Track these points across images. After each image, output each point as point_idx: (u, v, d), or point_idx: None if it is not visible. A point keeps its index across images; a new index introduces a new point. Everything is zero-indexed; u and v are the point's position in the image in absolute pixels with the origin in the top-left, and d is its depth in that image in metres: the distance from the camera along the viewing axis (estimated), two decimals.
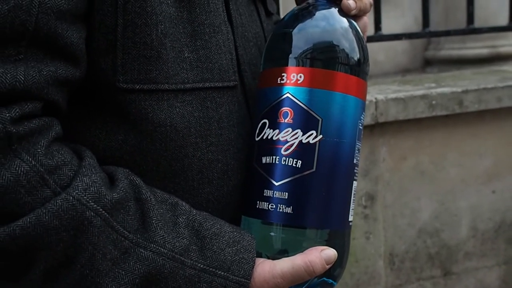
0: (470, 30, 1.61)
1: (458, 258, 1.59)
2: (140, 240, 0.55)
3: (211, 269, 0.57)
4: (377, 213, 1.49)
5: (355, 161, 0.64)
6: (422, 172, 1.51)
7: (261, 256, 0.62)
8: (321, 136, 0.61)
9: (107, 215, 0.53)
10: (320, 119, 0.61)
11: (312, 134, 0.61)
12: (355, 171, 0.65)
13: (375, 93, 1.44)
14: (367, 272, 1.51)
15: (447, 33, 1.68)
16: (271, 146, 0.62)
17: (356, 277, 1.49)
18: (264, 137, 0.63)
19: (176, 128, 0.61)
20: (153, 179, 0.62)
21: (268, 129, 0.63)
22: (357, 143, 0.65)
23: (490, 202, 1.59)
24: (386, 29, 1.62)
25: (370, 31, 1.60)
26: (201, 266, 0.57)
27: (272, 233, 0.62)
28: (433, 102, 1.42)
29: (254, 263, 0.59)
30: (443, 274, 1.59)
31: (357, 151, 0.65)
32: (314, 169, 0.61)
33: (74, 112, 0.62)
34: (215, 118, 0.64)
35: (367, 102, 1.35)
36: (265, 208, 0.62)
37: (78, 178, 0.53)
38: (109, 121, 0.61)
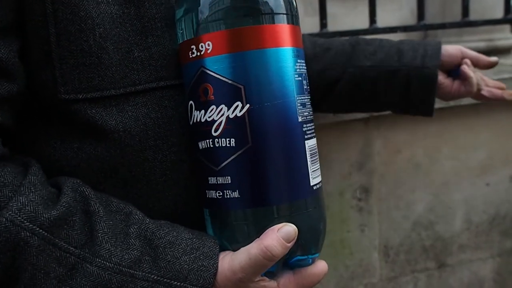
0: (465, 23, 1.61)
1: (452, 250, 1.60)
2: (87, 255, 0.53)
3: (165, 280, 0.54)
4: (372, 205, 1.49)
5: (300, 119, 0.57)
6: (416, 165, 1.52)
7: (227, 249, 0.58)
8: (248, 105, 0.54)
9: (45, 234, 0.51)
10: (242, 87, 0.54)
11: (237, 106, 0.54)
12: (305, 129, 0.58)
13: None
14: (361, 265, 1.51)
15: (442, 26, 1.68)
16: (202, 129, 0.57)
17: (351, 269, 1.50)
18: (195, 121, 0.57)
19: (130, 132, 0.58)
20: (113, 186, 0.60)
21: (196, 111, 0.57)
22: (299, 97, 0.57)
23: (484, 195, 1.60)
24: (383, 22, 1.62)
25: (365, 24, 1.59)
26: (154, 277, 0.53)
27: (228, 222, 0.56)
28: None
29: (216, 270, 0.55)
30: (437, 266, 1.60)
31: (300, 106, 0.57)
32: (250, 144, 0.55)
33: (28, 124, 0.60)
34: (176, 117, 0.61)
35: None
36: (214, 196, 0.57)
37: (14, 199, 0.51)
38: (62, 130, 0.59)
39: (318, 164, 0.60)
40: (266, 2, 0.55)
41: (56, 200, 0.54)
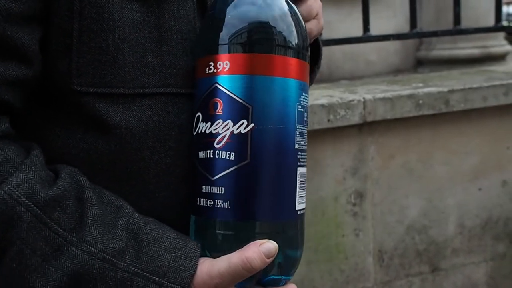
0: (457, 30, 1.64)
1: (446, 254, 1.62)
2: (74, 239, 0.55)
3: (145, 273, 0.56)
4: (366, 210, 1.51)
5: (297, 146, 0.61)
6: (410, 170, 1.54)
7: (208, 256, 0.60)
8: (252, 124, 0.58)
9: (39, 212, 0.54)
10: (250, 107, 0.58)
11: (243, 123, 0.58)
12: (299, 156, 0.61)
13: (364, 92, 1.47)
14: (356, 269, 1.53)
15: (434, 34, 1.71)
16: (205, 140, 0.60)
17: (346, 273, 1.52)
18: (199, 131, 0.61)
19: (132, 131, 0.61)
20: (108, 180, 0.62)
21: (202, 122, 0.60)
22: (298, 127, 0.61)
23: (476, 200, 1.62)
24: (378, 29, 1.65)
25: (360, 31, 1.62)
26: (135, 269, 0.56)
27: (213, 231, 0.59)
28: (420, 101, 1.45)
29: (195, 271, 0.57)
30: (431, 270, 1.62)
31: (298, 135, 0.61)
32: (248, 160, 0.58)
33: (36, 110, 0.63)
34: (177, 123, 0.64)
35: (355, 102, 1.38)
36: (204, 204, 0.59)
37: (15, 175, 0.54)
38: (68, 119, 0.62)
39: (305, 192, 0.64)
40: (285, 37, 0.60)
41: (53, 182, 0.57)
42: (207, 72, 0.60)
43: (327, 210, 1.46)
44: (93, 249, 0.55)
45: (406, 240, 1.57)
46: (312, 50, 0.79)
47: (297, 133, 0.61)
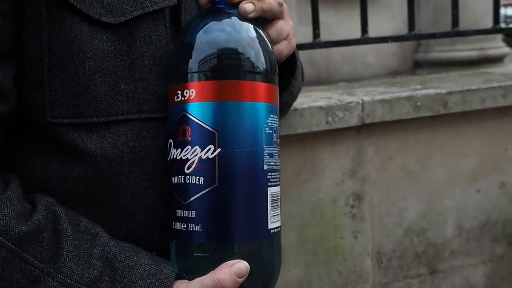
0: (455, 32, 1.64)
1: (444, 256, 1.62)
2: (51, 270, 0.57)
3: None
4: (365, 212, 1.51)
5: (266, 168, 0.62)
6: (408, 172, 1.54)
7: (185, 278, 0.62)
8: (219, 149, 0.60)
9: (13, 247, 0.56)
10: (216, 132, 0.60)
11: (210, 148, 0.60)
12: (269, 177, 0.63)
13: (362, 94, 1.47)
14: (355, 271, 1.53)
15: (432, 36, 1.71)
16: (177, 166, 0.62)
17: (344, 275, 1.52)
18: (171, 157, 0.63)
19: (107, 157, 0.63)
20: (86, 206, 0.64)
21: (173, 148, 0.63)
22: (267, 148, 0.63)
23: (475, 202, 1.62)
24: (376, 31, 1.65)
25: (358, 33, 1.62)
26: None
27: (188, 253, 0.61)
28: (418, 103, 1.45)
29: None
30: (429, 272, 1.62)
31: (268, 156, 0.62)
32: (217, 184, 0.60)
33: (14, 141, 0.65)
34: (152, 147, 0.65)
35: (353, 104, 1.38)
36: (179, 228, 0.62)
37: None
38: (45, 149, 0.64)
39: (279, 210, 0.65)
40: (249, 62, 0.62)
41: (29, 216, 0.58)
42: (176, 100, 0.63)
43: (325, 212, 1.46)
44: (68, 280, 0.57)
45: (404, 242, 1.57)
46: (288, 62, 0.80)
47: (266, 154, 0.62)
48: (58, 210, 0.61)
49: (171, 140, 0.63)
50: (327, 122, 1.36)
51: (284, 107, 1.01)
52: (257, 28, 0.65)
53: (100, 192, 0.64)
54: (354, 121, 1.40)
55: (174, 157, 0.62)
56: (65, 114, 0.61)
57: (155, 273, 0.60)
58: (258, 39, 0.64)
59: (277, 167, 0.65)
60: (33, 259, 0.56)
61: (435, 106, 1.47)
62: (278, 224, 0.64)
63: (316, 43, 1.54)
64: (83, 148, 0.62)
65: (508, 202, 1.66)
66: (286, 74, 0.84)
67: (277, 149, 0.65)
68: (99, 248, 0.60)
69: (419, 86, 1.57)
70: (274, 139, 0.64)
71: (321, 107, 1.35)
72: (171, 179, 0.63)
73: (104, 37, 0.61)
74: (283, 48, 0.72)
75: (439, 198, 1.59)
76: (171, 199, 0.64)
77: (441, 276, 1.63)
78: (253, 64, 0.62)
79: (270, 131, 0.63)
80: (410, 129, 1.51)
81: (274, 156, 0.64)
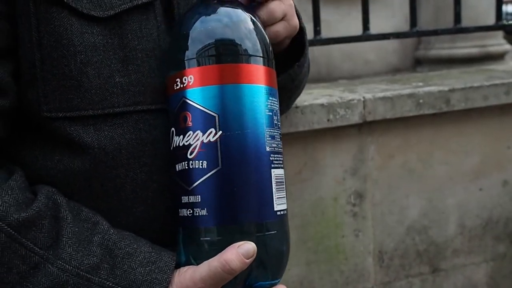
0: (457, 29, 1.63)
1: (446, 255, 1.61)
2: (50, 256, 0.58)
3: (119, 287, 0.58)
4: (366, 211, 1.50)
5: (268, 149, 0.63)
6: (410, 170, 1.53)
7: (194, 264, 0.61)
8: (220, 132, 0.61)
9: (13, 232, 0.56)
10: (216, 115, 0.61)
11: (211, 132, 0.61)
12: (272, 158, 0.63)
13: (363, 92, 1.45)
14: (356, 270, 1.52)
15: (434, 33, 1.70)
16: (180, 153, 0.63)
17: (346, 274, 1.51)
18: (174, 146, 0.64)
19: (105, 150, 0.63)
20: (86, 198, 0.65)
21: (176, 136, 0.63)
22: (268, 130, 0.63)
23: (477, 200, 1.61)
24: (377, 28, 1.64)
25: (358, 30, 1.61)
26: (110, 284, 0.58)
27: (196, 238, 0.61)
28: (420, 101, 1.44)
29: (168, 284, 0.59)
30: (431, 271, 1.61)
31: (269, 138, 0.63)
32: (220, 166, 0.61)
33: (16, 135, 0.66)
34: (149, 139, 0.66)
35: (355, 101, 1.37)
36: (185, 215, 0.62)
37: None
38: (44, 143, 0.65)
39: (284, 193, 0.65)
40: (245, 46, 0.63)
41: (30, 204, 0.59)
42: (175, 88, 0.64)
43: (327, 211, 1.45)
44: (67, 266, 0.58)
45: (406, 241, 1.56)
46: (295, 48, 0.79)
47: (267, 136, 0.63)
48: (59, 199, 0.62)
49: (173, 129, 0.64)
50: (328, 120, 1.35)
51: (283, 95, 0.97)
52: (244, 12, 0.66)
53: (100, 185, 0.64)
54: (355, 118, 1.38)
55: (177, 145, 0.63)
56: (60, 108, 0.62)
57: (155, 261, 0.61)
58: (253, 23, 0.65)
59: (280, 149, 0.65)
60: (32, 245, 0.57)
61: (437, 103, 1.46)
62: (284, 206, 0.64)
63: (317, 40, 1.53)
64: (80, 141, 0.63)
65: (511, 200, 1.65)
66: (291, 58, 0.82)
67: (279, 131, 0.66)
68: (99, 236, 0.61)
69: (421, 84, 1.56)
70: (275, 122, 0.65)
71: (322, 105, 1.33)
72: (175, 167, 0.64)
73: (94, 31, 0.62)
74: (279, 30, 0.72)
75: (441, 196, 1.57)
76: (175, 187, 0.64)
77: (443, 275, 1.62)
78: (249, 48, 0.63)
79: (271, 113, 0.64)
80: (412, 126, 1.50)
81: (276, 138, 0.65)
